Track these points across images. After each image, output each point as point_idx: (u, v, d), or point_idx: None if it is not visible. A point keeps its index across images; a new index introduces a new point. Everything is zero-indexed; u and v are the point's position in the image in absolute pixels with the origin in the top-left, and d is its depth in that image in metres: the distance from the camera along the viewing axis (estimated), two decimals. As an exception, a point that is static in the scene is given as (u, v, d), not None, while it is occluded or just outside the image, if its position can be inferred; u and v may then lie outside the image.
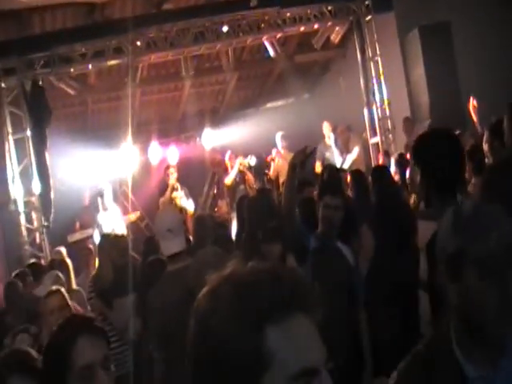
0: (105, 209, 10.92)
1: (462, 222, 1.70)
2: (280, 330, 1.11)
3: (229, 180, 11.45)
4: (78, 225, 11.21)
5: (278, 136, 11.65)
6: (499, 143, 4.24)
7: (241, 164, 11.38)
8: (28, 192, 9.86)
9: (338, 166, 10.06)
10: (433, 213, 2.86)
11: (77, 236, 10.60)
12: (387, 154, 10.79)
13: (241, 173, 11.41)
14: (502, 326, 1.65)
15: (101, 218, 10.87)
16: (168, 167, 11.16)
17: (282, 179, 10.75)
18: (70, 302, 4.64)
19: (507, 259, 1.62)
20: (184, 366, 1.16)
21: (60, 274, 6.22)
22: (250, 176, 11.36)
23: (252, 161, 11.63)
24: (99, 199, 10.89)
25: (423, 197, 3.10)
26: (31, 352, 2.52)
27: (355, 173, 6.71)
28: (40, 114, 9.83)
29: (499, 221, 1.68)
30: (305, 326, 1.14)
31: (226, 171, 11.70)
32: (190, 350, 1.16)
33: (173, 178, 10.75)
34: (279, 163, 11.58)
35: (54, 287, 4.80)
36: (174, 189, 10.81)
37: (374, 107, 11.58)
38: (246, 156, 11.45)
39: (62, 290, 4.71)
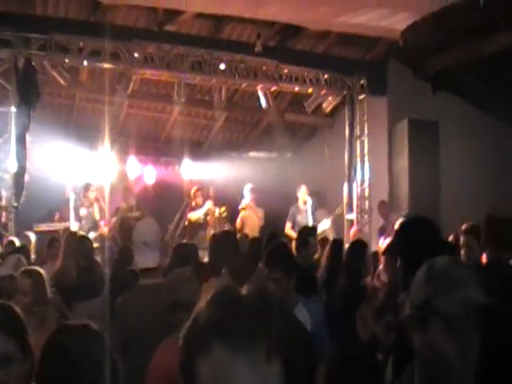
0: (87, 205, 10.98)
1: (433, 274, 1.77)
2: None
3: (194, 217, 11.47)
4: (57, 216, 11.18)
5: (247, 188, 11.76)
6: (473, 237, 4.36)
7: (210, 209, 11.46)
8: (2, 168, 9.80)
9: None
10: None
11: (44, 227, 10.48)
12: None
13: (207, 215, 11.46)
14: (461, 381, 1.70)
15: (83, 213, 10.90)
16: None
17: (247, 230, 10.81)
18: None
19: (468, 318, 1.67)
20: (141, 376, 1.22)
21: (23, 259, 6.14)
22: (214, 222, 11.43)
23: (223, 213, 11.77)
24: (83, 194, 10.98)
25: (401, 280, 3.14)
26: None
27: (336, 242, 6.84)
28: (28, 94, 9.94)
29: (468, 280, 1.74)
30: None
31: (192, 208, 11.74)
32: None
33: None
34: (246, 215, 11.68)
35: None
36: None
37: (355, 185, 11.71)
38: (218, 201, 11.57)
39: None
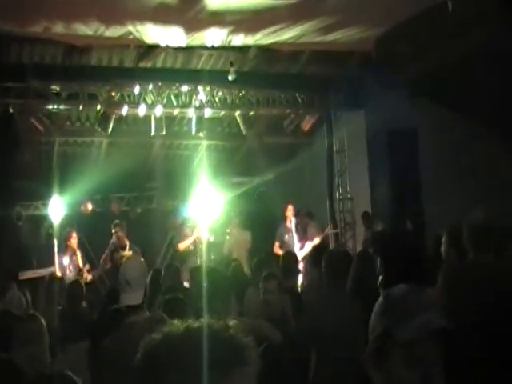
0: (70, 253, 10.89)
1: (389, 304, 1.76)
2: None
3: (183, 246, 11.50)
4: (35, 262, 11.08)
5: (234, 213, 11.87)
6: (455, 251, 4.40)
7: (198, 237, 11.49)
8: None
9: (296, 251, 10.21)
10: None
11: (29, 274, 10.37)
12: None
13: (195, 243, 11.49)
14: None
15: (66, 262, 10.81)
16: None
17: (235, 255, 10.85)
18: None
19: (427, 343, 1.66)
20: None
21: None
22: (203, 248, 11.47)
23: (211, 239, 11.81)
24: (64, 242, 10.89)
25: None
26: None
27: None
28: (8, 142, 9.99)
29: (425, 305, 1.73)
30: None
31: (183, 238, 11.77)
32: None
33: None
34: (232, 240, 11.75)
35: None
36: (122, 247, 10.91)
37: (337, 200, 11.82)
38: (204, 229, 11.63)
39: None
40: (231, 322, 1.27)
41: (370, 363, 1.74)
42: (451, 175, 10.88)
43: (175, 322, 1.28)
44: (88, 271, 11.00)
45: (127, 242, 11.13)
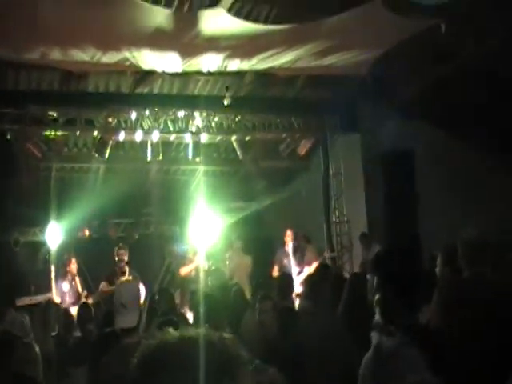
0: (69, 278, 10.86)
1: (382, 358, 1.76)
2: None
3: (184, 272, 11.48)
4: (32, 288, 11.03)
5: (233, 238, 11.84)
6: (450, 269, 4.39)
7: (198, 264, 11.50)
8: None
9: (294, 275, 10.18)
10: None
11: (26, 300, 10.34)
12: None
13: (197, 269, 11.48)
14: None
15: (66, 288, 10.78)
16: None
17: (235, 280, 10.83)
18: None
19: None
20: None
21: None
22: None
23: (211, 264, 11.80)
24: (64, 268, 10.87)
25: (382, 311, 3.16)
26: None
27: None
28: (4, 168, 10.02)
29: (416, 362, 1.73)
30: None
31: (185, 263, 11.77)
32: None
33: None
34: (231, 265, 11.75)
35: None
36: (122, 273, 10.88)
37: (333, 223, 11.82)
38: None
39: None
40: (227, 335, 1.27)
41: None
42: (448, 195, 10.89)
43: (170, 330, 1.29)
44: (86, 297, 10.97)
45: (127, 268, 11.14)
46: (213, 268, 11.96)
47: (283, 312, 5.72)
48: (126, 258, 11.35)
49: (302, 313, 6.23)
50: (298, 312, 6.36)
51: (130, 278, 10.94)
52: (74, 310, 9.86)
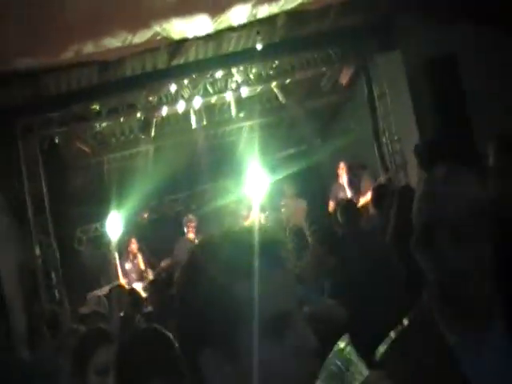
0: (131, 258, 10.97)
1: (433, 188, 1.68)
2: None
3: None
4: (102, 281, 11.17)
5: (284, 185, 12.00)
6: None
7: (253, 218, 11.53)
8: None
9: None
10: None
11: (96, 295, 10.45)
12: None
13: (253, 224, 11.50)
14: (481, 291, 1.63)
15: (128, 266, 10.92)
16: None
17: (292, 224, 10.79)
18: None
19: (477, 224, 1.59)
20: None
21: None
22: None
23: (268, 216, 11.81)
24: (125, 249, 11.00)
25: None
26: None
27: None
28: (57, 171, 10.02)
29: (469, 184, 1.65)
30: None
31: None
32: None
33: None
34: (287, 212, 11.76)
35: None
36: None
37: (384, 144, 11.62)
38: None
39: None
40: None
41: (418, 249, 1.68)
42: (497, 96, 10.60)
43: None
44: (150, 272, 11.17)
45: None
46: (269, 218, 11.97)
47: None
48: (194, 226, 11.44)
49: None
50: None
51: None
52: (138, 287, 10.09)
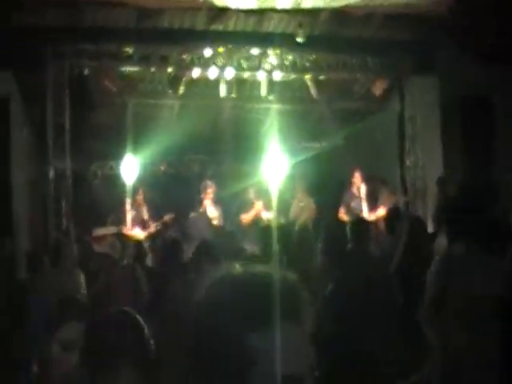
0: (135, 207, 11.21)
1: (451, 263, 1.70)
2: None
3: (245, 219, 11.50)
4: (109, 220, 11.42)
5: (296, 180, 11.94)
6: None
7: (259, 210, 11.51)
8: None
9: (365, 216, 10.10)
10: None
11: (103, 231, 10.61)
12: None
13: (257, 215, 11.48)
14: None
15: (132, 214, 11.16)
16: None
17: (301, 220, 10.84)
18: None
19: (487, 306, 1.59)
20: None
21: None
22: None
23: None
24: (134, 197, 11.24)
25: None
26: None
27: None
28: (82, 103, 10.33)
29: (486, 269, 1.66)
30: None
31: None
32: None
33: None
34: (297, 204, 11.75)
35: None
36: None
37: (407, 168, 11.60)
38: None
39: None
40: (291, 275, 1.30)
41: (427, 320, 1.71)
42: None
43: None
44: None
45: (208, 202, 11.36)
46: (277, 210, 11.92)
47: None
48: (212, 192, 11.48)
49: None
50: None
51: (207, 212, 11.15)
52: (140, 236, 10.33)
